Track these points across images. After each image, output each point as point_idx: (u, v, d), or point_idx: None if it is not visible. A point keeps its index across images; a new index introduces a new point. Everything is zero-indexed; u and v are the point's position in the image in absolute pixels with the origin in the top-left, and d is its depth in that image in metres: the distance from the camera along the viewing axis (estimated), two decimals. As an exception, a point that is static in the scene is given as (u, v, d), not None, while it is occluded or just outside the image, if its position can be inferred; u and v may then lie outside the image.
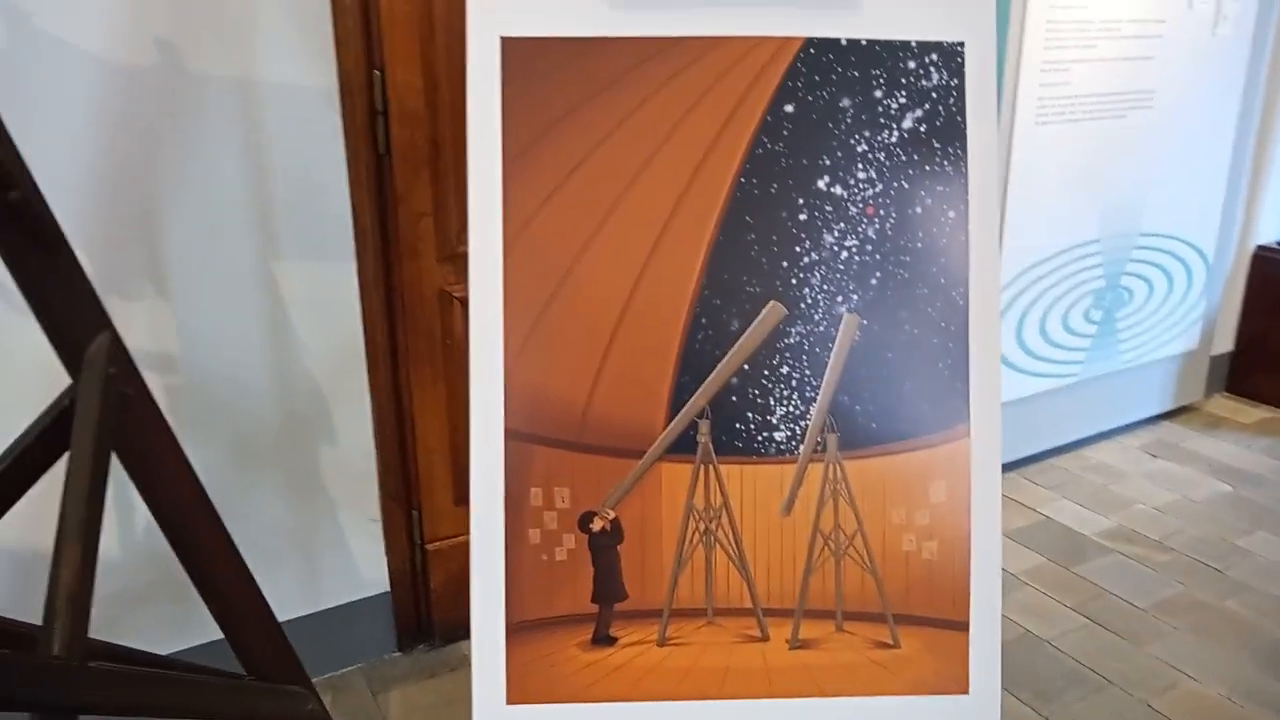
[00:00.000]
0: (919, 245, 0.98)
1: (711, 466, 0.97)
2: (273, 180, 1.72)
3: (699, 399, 0.96)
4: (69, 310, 1.18)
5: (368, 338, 1.86)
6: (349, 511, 1.93)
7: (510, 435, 0.94)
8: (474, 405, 0.94)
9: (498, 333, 0.94)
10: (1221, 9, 2.68)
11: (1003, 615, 2.13)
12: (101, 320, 1.21)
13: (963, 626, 0.98)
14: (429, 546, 2.02)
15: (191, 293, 1.69)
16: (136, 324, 1.66)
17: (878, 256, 0.98)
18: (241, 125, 1.68)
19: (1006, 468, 2.80)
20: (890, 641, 0.98)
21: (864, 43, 0.97)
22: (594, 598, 0.97)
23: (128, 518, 1.73)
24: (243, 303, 1.74)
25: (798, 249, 0.97)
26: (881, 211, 0.98)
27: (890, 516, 0.98)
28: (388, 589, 2.01)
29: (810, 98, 0.97)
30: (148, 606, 1.74)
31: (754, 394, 0.97)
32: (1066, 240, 2.62)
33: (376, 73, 1.79)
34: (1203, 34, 2.67)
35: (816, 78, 0.97)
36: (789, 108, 0.97)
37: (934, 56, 0.98)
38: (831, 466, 0.98)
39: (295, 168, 1.73)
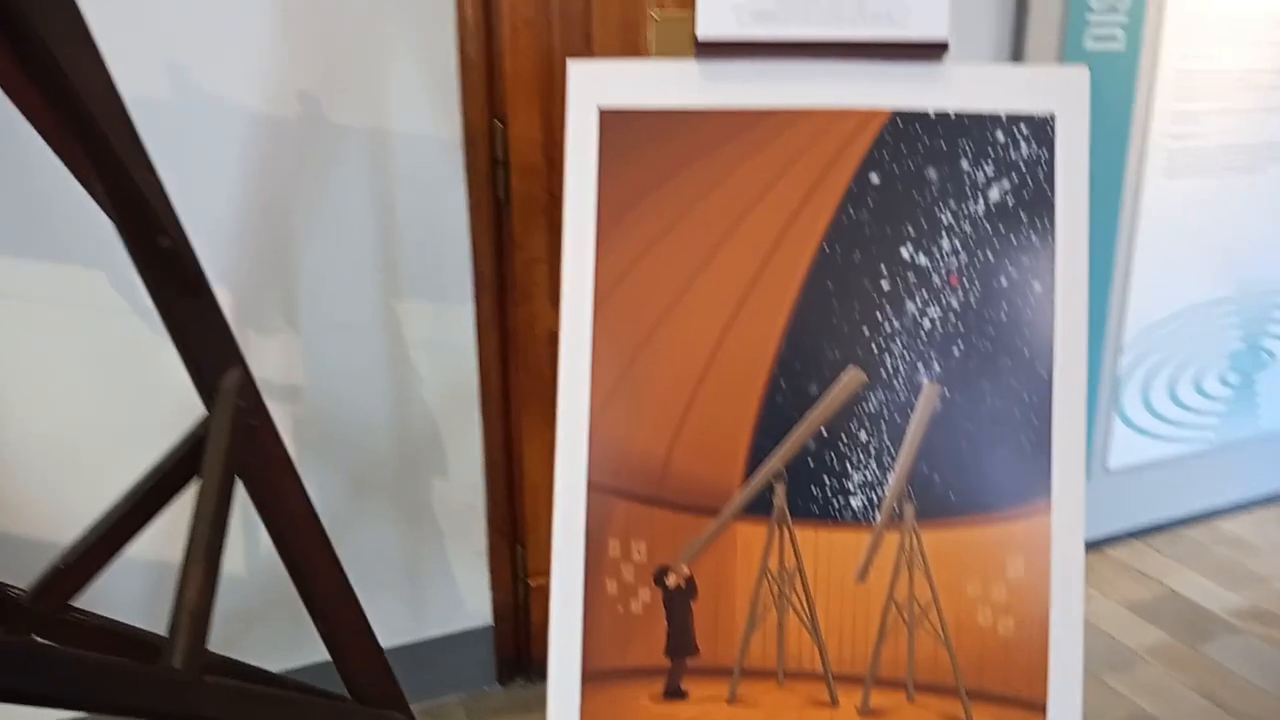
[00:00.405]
0: (1003, 317, 0.98)
1: (787, 529, 0.98)
2: (399, 225, 1.83)
3: (775, 461, 0.98)
4: (206, 347, 1.28)
5: (482, 377, 1.95)
6: (456, 544, 2.00)
7: (592, 486, 0.98)
8: (559, 455, 0.98)
9: (585, 387, 0.98)
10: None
11: (1117, 692, 2.04)
12: (234, 356, 1.32)
13: (1039, 708, 0.96)
14: (532, 582, 2.08)
15: (320, 329, 1.81)
16: (269, 357, 1.79)
17: (961, 327, 0.98)
18: (373, 173, 1.79)
19: (1129, 535, 2.68)
20: (963, 716, 0.97)
21: (952, 115, 0.98)
22: (667, 651, 0.99)
23: (254, 539, 1.85)
24: (366, 340, 1.84)
25: (879, 317, 0.98)
26: (965, 282, 0.98)
27: (966, 589, 0.97)
28: (490, 622, 2.07)
29: (896, 168, 0.98)
30: (266, 623, 1.85)
31: (831, 459, 0.98)
32: (1197, 297, 2.51)
33: (498, 125, 1.88)
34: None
35: (902, 148, 0.98)
36: (874, 177, 0.99)
37: (1023, 128, 0.98)
38: (908, 535, 0.98)
39: (420, 214, 1.84)
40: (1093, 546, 2.63)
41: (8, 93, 1.09)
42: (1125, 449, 2.55)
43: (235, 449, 1.27)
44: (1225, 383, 2.63)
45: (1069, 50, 2.19)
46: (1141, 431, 2.55)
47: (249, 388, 1.33)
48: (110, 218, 1.17)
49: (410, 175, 1.82)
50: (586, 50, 1.96)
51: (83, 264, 1.62)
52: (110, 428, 1.70)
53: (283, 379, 1.81)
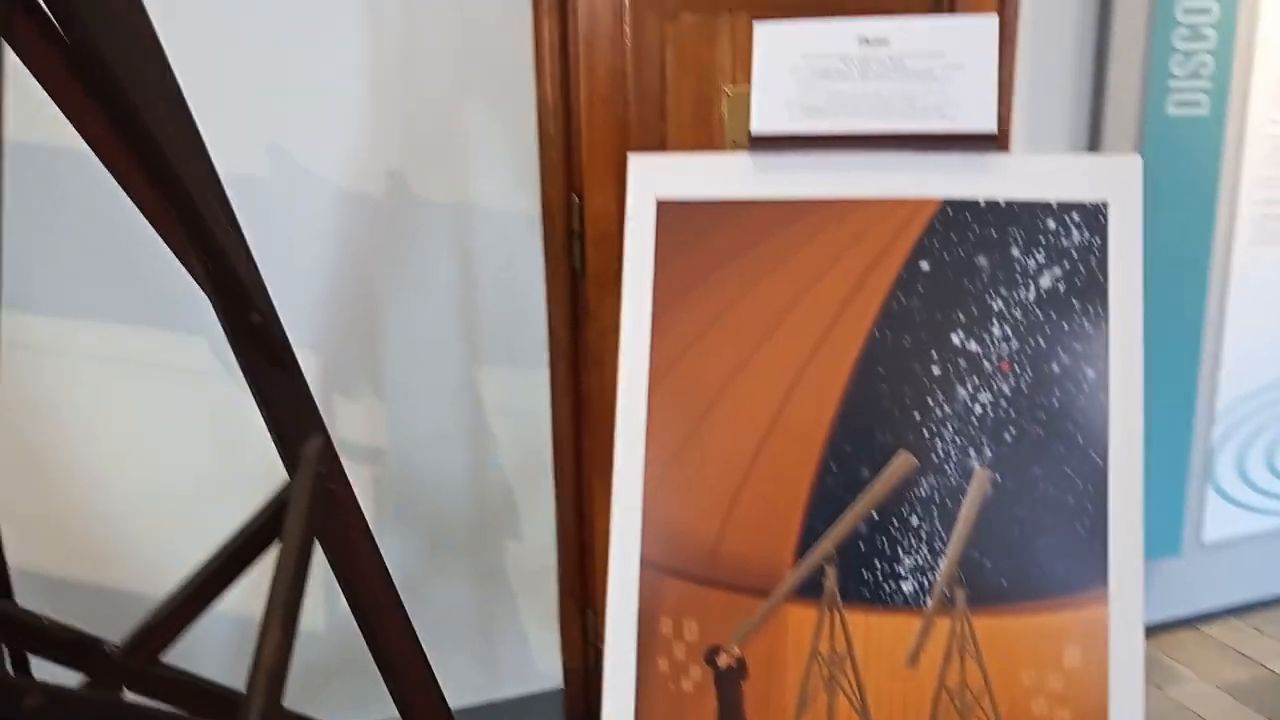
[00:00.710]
0: (1056, 403, 0.97)
1: (838, 612, 0.99)
2: (479, 294, 1.91)
3: (826, 544, 0.99)
4: (290, 416, 1.36)
5: (555, 442, 2.00)
6: (528, 606, 2.04)
7: (646, 565, 1.01)
8: (614, 533, 1.01)
9: (639, 467, 1.01)
10: None
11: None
12: (316, 424, 1.39)
13: (1098, 803, 0.94)
14: (602, 646, 2.09)
15: (403, 394, 1.88)
16: (354, 420, 1.87)
17: (1013, 413, 0.98)
18: (455, 245, 1.88)
19: (1227, 613, 2.56)
20: (1018, 808, 0.95)
21: (1002, 203, 0.99)
22: (718, 729, 1.01)
23: (334, 597, 1.92)
24: (446, 405, 1.91)
25: (930, 402, 0.99)
26: (1017, 368, 0.98)
27: (1020, 678, 0.96)
28: (561, 685, 2.09)
29: (946, 255, 1.00)
30: (342, 678, 1.91)
31: (882, 543, 0.99)
32: (1295, 367, 2.42)
33: (575, 199, 1.95)
34: None
35: (953, 235, 1.00)
36: (925, 264, 1.00)
37: (1075, 216, 0.98)
38: (959, 622, 0.97)
39: (500, 284, 1.91)
40: (1188, 624, 2.52)
41: (115, 176, 1.19)
42: (1220, 521, 2.45)
43: (314, 514, 1.34)
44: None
45: (1150, 117, 2.17)
46: (1237, 504, 2.45)
47: (329, 454, 1.40)
48: (206, 294, 1.26)
49: (490, 247, 1.90)
50: (661, 125, 2.02)
51: (186, 331, 1.73)
52: (207, 483, 1.80)
53: (366, 442, 1.89)
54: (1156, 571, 2.42)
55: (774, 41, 1.02)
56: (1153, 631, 2.47)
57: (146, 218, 1.25)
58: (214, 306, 1.26)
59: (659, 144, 2.00)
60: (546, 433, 1.99)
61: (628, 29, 1.96)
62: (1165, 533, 2.38)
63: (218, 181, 1.21)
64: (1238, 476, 2.43)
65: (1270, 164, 2.28)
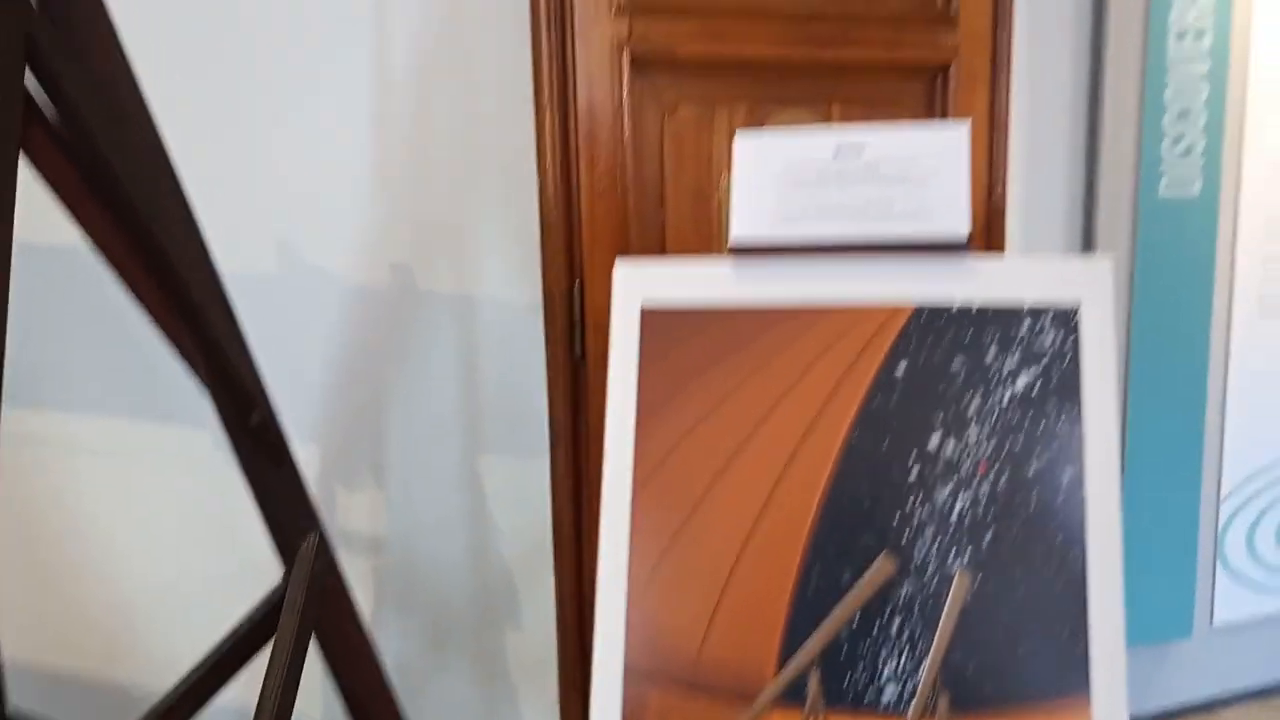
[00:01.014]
0: (1034, 505, 0.98)
1: (821, 718, 0.99)
2: (481, 383, 1.94)
3: (809, 649, 0.99)
4: (287, 513, 1.38)
5: (555, 531, 2.00)
6: (529, 698, 2.03)
7: (629, 671, 1.01)
8: (597, 640, 1.02)
9: (623, 573, 1.02)
10: None
11: None
12: (312, 521, 1.41)
13: None
14: (603, 736, 2.07)
15: (404, 484, 1.90)
16: (356, 511, 1.89)
17: (990, 515, 0.99)
18: (457, 335, 1.91)
19: (1242, 697, 2.51)
20: None
21: (975, 308, 1.01)
22: (704, 836, 1.00)
23: (330, 692, 1.91)
24: (448, 495, 1.93)
25: (910, 504, 1.00)
26: (994, 471, 0.99)
27: (1006, 784, 0.95)
28: (562, 775, 2.06)
29: (922, 359, 1.02)
30: (340, 772, 1.89)
31: (864, 648, 0.99)
32: (1301, 444, 2.41)
33: (576, 288, 1.99)
34: None
35: (929, 339, 1.02)
36: (900, 368, 1.02)
37: (1048, 318, 1.00)
38: (943, 726, 0.97)
39: (502, 373, 1.94)
40: (1201, 709, 2.46)
41: (120, 276, 1.23)
42: (1232, 603, 2.42)
43: (309, 611, 1.35)
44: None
45: (1143, 200, 2.20)
46: (1249, 583, 2.42)
47: (325, 549, 1.42)
48: (206, 394, 1.29)
49: (492, 336, 1.94)
50: (660, 213, 2.06)
51: (188, 424, 1.76)
52: (208, 577, 1.81)
53: (368, 532, 1.90)
54: (1168, 655, 2.38)
55: (753, 152, 1.06)
56: (1166, 718, 2.42)
57: (149, 317, 1.29)
58: (214, 406, 1.29)
59: (658, 232, 2.05)
60: (547, 521, 2.00)
61: (627, 122, 2.01)
62: (1176, 615, 2.35)
63: (220, 284, 1.25)
64: (1248, 556, 2.40)
65: (1266, 241, 2.30)
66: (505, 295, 1.95)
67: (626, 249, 2.04)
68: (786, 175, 1.03)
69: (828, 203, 1.03)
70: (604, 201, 2.01)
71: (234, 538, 1.80)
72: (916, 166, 1.02)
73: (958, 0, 2.05)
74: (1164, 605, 2.35)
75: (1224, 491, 2.36)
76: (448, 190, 1.86)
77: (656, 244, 2.03)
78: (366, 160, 1.80)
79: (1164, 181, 2.21)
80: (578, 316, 2.00)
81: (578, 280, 1.99)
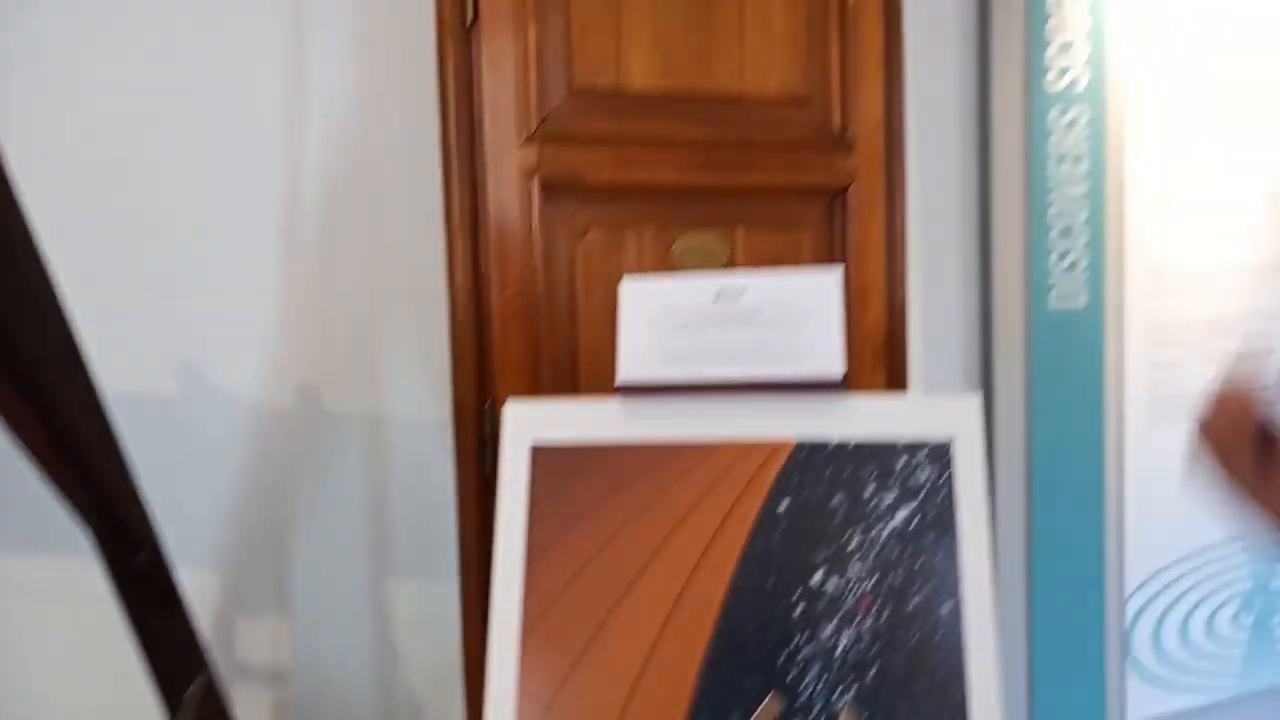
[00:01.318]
0: (914, 640, 1.00)
1: None
2: (390, 504, 1.91)
3: (699, 793, 0.99)
4: (174, 659, 1.33)
5: (466, 657, 1.96)
6: (438, 830, 1.95)
7: (520, 820, 0.99)
8: (488, 789, 1.00)
9: (510, 716, 1.01)
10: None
11: None
12: (201, 665, 1.36)
13: None
14: None
15: (309, 610, 1.85)
16: (258, 641, 1.83)
17: (874, 651, 1.01)
18: (367, 455, 1.89)
19: (1159, 797, 2.53)
20: None
21: (851, 445, 1.05)
22: None
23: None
24: (354, 620, 1.88)
25: (795, 642, 1.01)
26: (876, 606, 1.02)
27: None
28: None
29: (802, 496, 1.05)
30: None
31: (755, 788, 0.99)
32: (1197, 542, 2.49)
33: (487, 407, 1.99)
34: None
35: (810, 475, 1.05)
36: (782, 505, 1.05)
37: (923, 454, 1.04)
38: None
39: (411, 493, 1.92)
40: (1122, 812, 2.47)
41: (5, 421, 1.20)
42: (1143, 702, 2.46)
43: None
44: (1241, 624, 2.56)
45: (1035, 312, 2.31)
46: (1158, 682, 2.46)
47: (212, 695, 1.37)
48: (87, 530, 1.25)
49: (402, 456, 1.92)
50: (572, 332, 2.09)
51: (79, 558, 1.70)
52: (121, 712, 1.72)
53: (269, 663, 1.84)
54: (1084, 760, 2.40)
55: (638, 296, 1.09)
56: (1086, 825, 2.42)
57: (29, 458, 1.25)
58: (94, 545, 1.25)
59: (570, 350, 2.07)
60: (456, 644, 1.96)
61: (538, 246, 2.06)
62: (1089, 718, 2.38)
63: (110, 427, 1.23)
64: (1154, 655, 2.45)
65: (1152, 349, 2.42)
66: (415, 413, 1.95)
67: (538, 368, 2.06)
68: (669, 319, 1.07)
69: (709, 345, 1.06)
70: (515, 323, 2.03)
71: (125, 680, 1.73)
72: (793, 309, 1.07)
73: (853, 127, 2.16)
74: (1077, 709, 2.37)
75: (1127, 594, 2.43)
76: (358, 311, 1.87)
77: (568, 362, 2.06)
78: (273, 281, 1.80)
79: (1053, 294, 2.33)
80: (488, 435, 2.01)
81: (489, 399, 2.00)
